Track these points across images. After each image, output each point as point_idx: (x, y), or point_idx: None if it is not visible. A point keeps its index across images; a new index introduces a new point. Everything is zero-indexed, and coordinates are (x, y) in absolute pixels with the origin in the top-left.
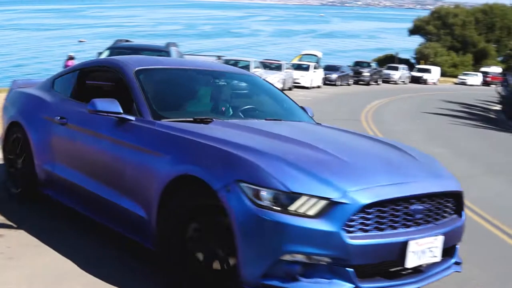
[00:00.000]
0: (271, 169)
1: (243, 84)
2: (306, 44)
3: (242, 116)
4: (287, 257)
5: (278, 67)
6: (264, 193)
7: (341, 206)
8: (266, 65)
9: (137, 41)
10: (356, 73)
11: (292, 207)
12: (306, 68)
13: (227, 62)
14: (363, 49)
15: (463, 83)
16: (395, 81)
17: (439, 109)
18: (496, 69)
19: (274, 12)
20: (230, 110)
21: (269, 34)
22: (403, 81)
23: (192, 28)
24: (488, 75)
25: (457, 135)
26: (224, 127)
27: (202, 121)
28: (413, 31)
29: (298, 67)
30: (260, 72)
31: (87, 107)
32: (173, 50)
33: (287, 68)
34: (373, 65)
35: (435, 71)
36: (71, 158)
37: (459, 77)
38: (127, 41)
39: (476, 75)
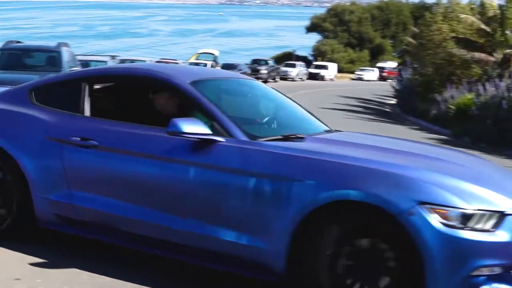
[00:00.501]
0: (447, 187)
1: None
2: (208, 43)
3: (286, 128)
4: (474, 272)
5: None
6: (450, 212)
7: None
8: None
9: (35, 43)
10: (254, 71)
11: (470, 223)
12: (204, 67)
13: (122, 61)
14: (263, 47)
15: (360, 79)
16: (292, 78)
17: (336, 105)
18: (392, 64)
19: (172, 11)
20: (275, 122)
21: (168, 33)
22: (301, 78)
23: (90, 29)
24: (384, 70)
25: (352, 129)
26: (333, 144)
27: (292, 138)
28: (310, 29)
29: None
30: None
31: (168, 129)
32: (64, 50)
33: None
34: (271, 62)
35: (332, 67)
36: (112, 187)
37: (356, 72)
38: (17, 42)
39: (373, 70)
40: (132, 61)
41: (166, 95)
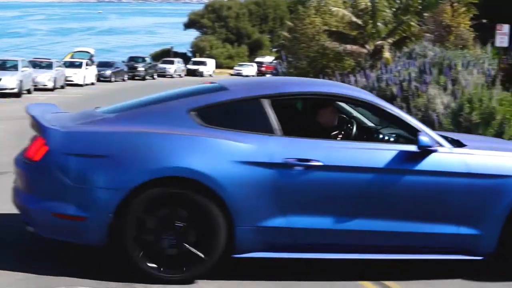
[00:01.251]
0: None
1: None
2: (88, 42)
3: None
4: None
5: (49, 65)
6: None
7: None
8: (36, 64)
9: None
10: (131, 69)
11: None
12: (79, 66)
13: None
14: (145, 45)
15: (239, 74)
16: (171, 75)
17: None
18: (270, 59)
19: (50, 10)
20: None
21: (46, 32)
22: (179, 75)
23: None
24: (262, 65)
25: None
26: (492, 143)
27: (462, 144)
28: (188, 25)
29: (71, 65)
30: (29, 71)
31: (419, 144)
32: None
33: (58, 66)
34: (148, 60)
35: (211, 63)
36: (338, 204)
37: (235, 68)
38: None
39: (252, 65)
40: (4, 61)
41: (330, 110)
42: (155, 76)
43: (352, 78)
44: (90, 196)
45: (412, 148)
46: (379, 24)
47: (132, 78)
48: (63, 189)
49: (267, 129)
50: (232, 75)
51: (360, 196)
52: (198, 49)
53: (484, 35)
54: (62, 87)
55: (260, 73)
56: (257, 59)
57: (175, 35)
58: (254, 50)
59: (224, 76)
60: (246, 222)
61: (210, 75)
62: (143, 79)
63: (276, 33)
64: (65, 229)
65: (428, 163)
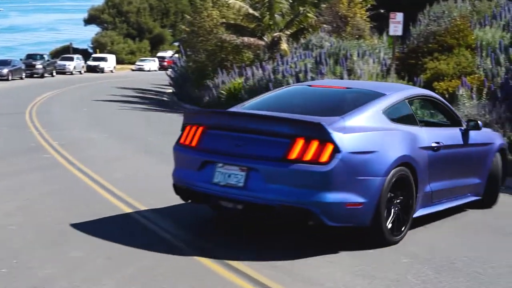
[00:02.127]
0: None
1: None
2: None
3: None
4: None
5: None
6: None
7: None
8: None
9: None
10: (29, 66)
11: None
12: None
13: None
14: (50, 41)
15: (141, 69)
16: (70, 72)
17: (112, 96)
18: (172, 54)
19: None
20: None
21: None
22: (79, 71)
23: None
24: (164, 60)
25: (121, 119)
26: None
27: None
28: (88, 21)
29: None
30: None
31: (479, 126)
32: None
33: None
34: (46, 57)
35: (111, 59)
36: (443, 173)
37: (136, 63)
38: None
39: (153, 60)
40: None
41: None
42: (54, 73)
43: (249, 71)
44: (367, 185)
45: (462, 128)
46: (276, 15)
47: (30, 76)
48: (351, 182)
49: (415, 122)
50: (133, 70)
51: (457, 163)
52: (99, 45)
53: (381, 24)
54: None
55: (162, 68)
56: (159, 54)
57: (78, 31)
58: (156, 45)
59: (125, 72)
60: (420, 191)
61: (111, 71)
62: (42, 76)
63: (178, 27)
64: (349, 216)
65: (470, 138)
